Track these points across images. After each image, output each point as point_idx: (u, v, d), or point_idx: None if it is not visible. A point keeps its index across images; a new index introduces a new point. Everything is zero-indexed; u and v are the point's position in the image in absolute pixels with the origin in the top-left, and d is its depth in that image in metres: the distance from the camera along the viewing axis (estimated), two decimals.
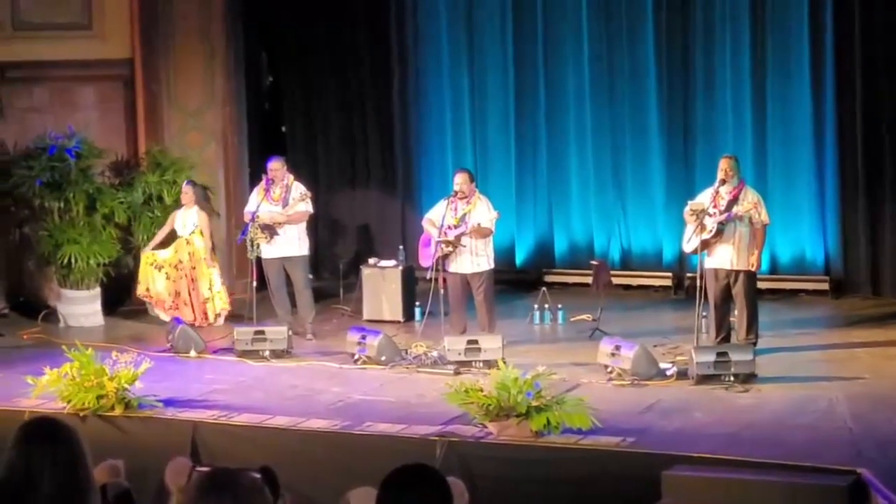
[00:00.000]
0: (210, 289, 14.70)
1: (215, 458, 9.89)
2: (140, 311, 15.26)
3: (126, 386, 10.79)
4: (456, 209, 13.02)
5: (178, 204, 15.48)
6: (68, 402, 10.76)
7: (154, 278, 14.71)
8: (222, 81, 16.53)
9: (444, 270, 13.05)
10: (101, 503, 4.65)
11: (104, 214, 15.19)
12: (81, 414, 10.58)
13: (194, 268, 14.67)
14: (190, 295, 14.69)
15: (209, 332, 14.03)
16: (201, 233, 14.70)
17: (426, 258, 13.27)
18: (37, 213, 15.36)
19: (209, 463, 9.15)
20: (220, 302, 14.73)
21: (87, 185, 15.20)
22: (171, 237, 14.82)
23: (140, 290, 14.85)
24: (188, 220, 14.73)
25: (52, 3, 15.86)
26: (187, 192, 14.75)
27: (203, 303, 14.69)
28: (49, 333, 14.34)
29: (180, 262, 14.67)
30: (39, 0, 15.80)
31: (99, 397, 10.70)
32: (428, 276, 13.20)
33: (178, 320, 13.74)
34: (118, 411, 10.71)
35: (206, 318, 14.68)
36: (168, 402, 10.99)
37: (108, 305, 15.30)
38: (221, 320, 14.71)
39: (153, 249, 14.80)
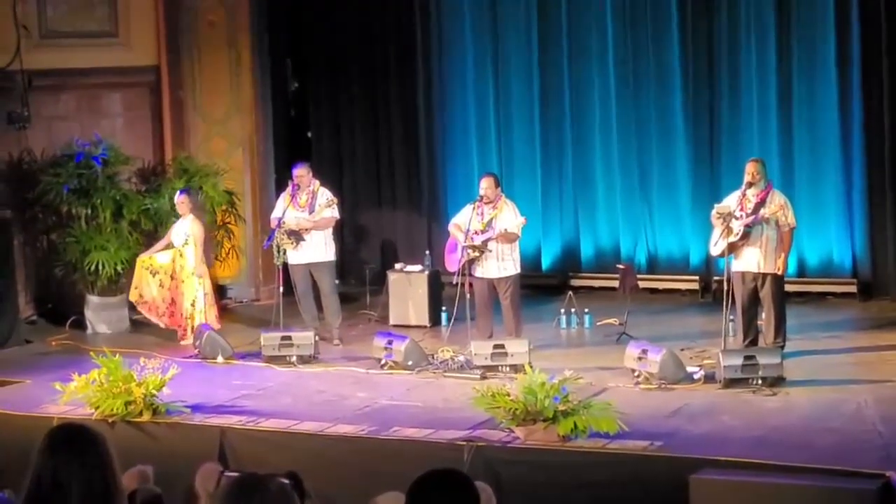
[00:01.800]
0: (192, 305, 14.02)
1: (243, 464, 9.91)
2: None
3: (154, 392, 10.82)
4: (482, 214, 13.01)
5: (205, 210, 15.52)
6: (96, 408, 10.80)
7: (148, 283, 14.19)
8: (248, 88, 16.59)
9: (471, 275, 13.05)
10: None
11: (131, 221, 15.22)
12: (110, 420, 10.62)
13: (182, 281, 14.05)
14: (177, 306, 14.13)
15: (185, 349, 13.62)
16: (195, 244, 14.06)
17: (453, 263, 13.28)
18: (64, 219, 15.41)
19: (237, 468, 9.18)
20: (199, 319, 13.95)
21: (113, 192, 15.25)
22: (170, 247, 14.32)
23: (133, 296, 14.30)
24: (181, 229, 14.16)
25: (79, 11, 15.95)
26: (182, 202, 14.13)
27: (185, 317, 14.05)
28: (77, 340, 14.40)
29: (175, 271, 14.13)
30: (66, 8, 15.89)
31: (127, 403, 10.73)
32: (454, 281, 13.20)
33: (205, 326, 13.77)
34: (146, 417, 10.75)
35: (186, 334, 14.01)
36: (196, 408, 11.02)
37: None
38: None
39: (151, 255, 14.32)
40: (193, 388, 11.66)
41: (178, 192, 14.40)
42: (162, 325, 14.27)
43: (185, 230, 14.09)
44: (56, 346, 14.34)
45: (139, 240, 15.25)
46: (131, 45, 16.27)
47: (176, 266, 14.13)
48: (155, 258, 14.25)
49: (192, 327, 13.97)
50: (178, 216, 14.51)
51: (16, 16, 15.37)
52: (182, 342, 13.99)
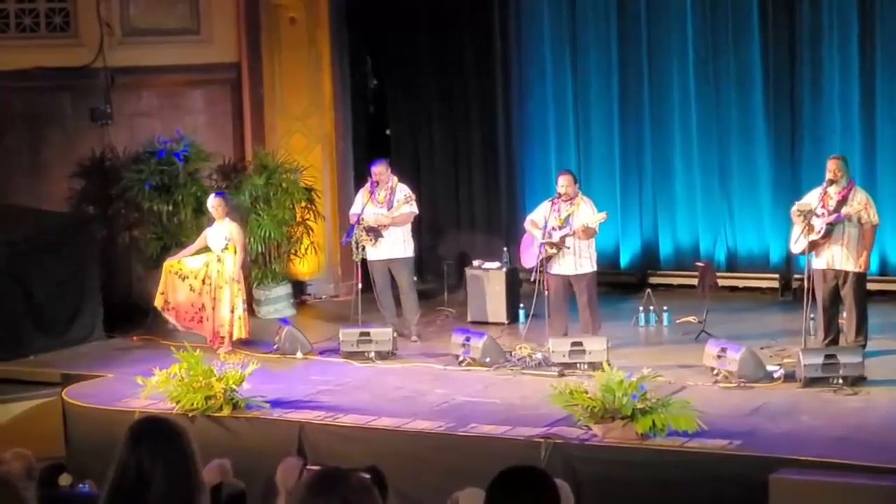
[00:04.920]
0: (233, 311, 13.53)
1: (321, 459, 9.96)
2: None
3: (234, 387, 10.92)
4: (559, 211, 13.00)
5: (284, 207, 15.60)
6: (177, 402, 10.92)
7: (176, 288, 13.74)
8: (328, 85, 16.66)
9: (546, 272, 13.03)
10: (213, 503, 4.71)
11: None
12: (190, 414, 10.73)
13: (220, 287, 13.51)
14: (212, 312, 13.64)
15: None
16: (234, 249, 13.55)
17: (527, 259, 13.28)
18: (146, 215, 15.56)
19: (316, 463, 9.23)
20: (238, 328, 13.59)
21: (195, 189, 15.39)
22: (201, 252, 13.88)
23: (158, 301, 13.77)
24: (220, 234, 13.62)
25: (161, 9, 16.10)
26: (218, 206, 13.61)
27: (220, 325, 13.53)
28: (158, 335, 14.50)
29: (208, 276, 13.60)
30: (148, 6, 16.05)
31: (207, 398, 10.85)
32: (532, 279, 13.18)
33: (284, 321, 13.82)
34: (226, 412, 10.85)
35: (222, 341, 13.46)
36: (275, 403, 11.11)
37: None
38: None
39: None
40: (273, 383, 11.76)
41: (212, 196, 13.98)
42: (182, 329, 13.81)
43: (225, 234, 13.64)
44: (137, 341, 14.46)
45: None
46: (212, 43, 16.40)
47: (210, 271, 13.67)
48: (184, 262, 13.81)
49: (231, 335, 13.53)
50: (260, 212, 14.55)
51: (99, 14, 15.56)
52: (218, 346, 13.42)
